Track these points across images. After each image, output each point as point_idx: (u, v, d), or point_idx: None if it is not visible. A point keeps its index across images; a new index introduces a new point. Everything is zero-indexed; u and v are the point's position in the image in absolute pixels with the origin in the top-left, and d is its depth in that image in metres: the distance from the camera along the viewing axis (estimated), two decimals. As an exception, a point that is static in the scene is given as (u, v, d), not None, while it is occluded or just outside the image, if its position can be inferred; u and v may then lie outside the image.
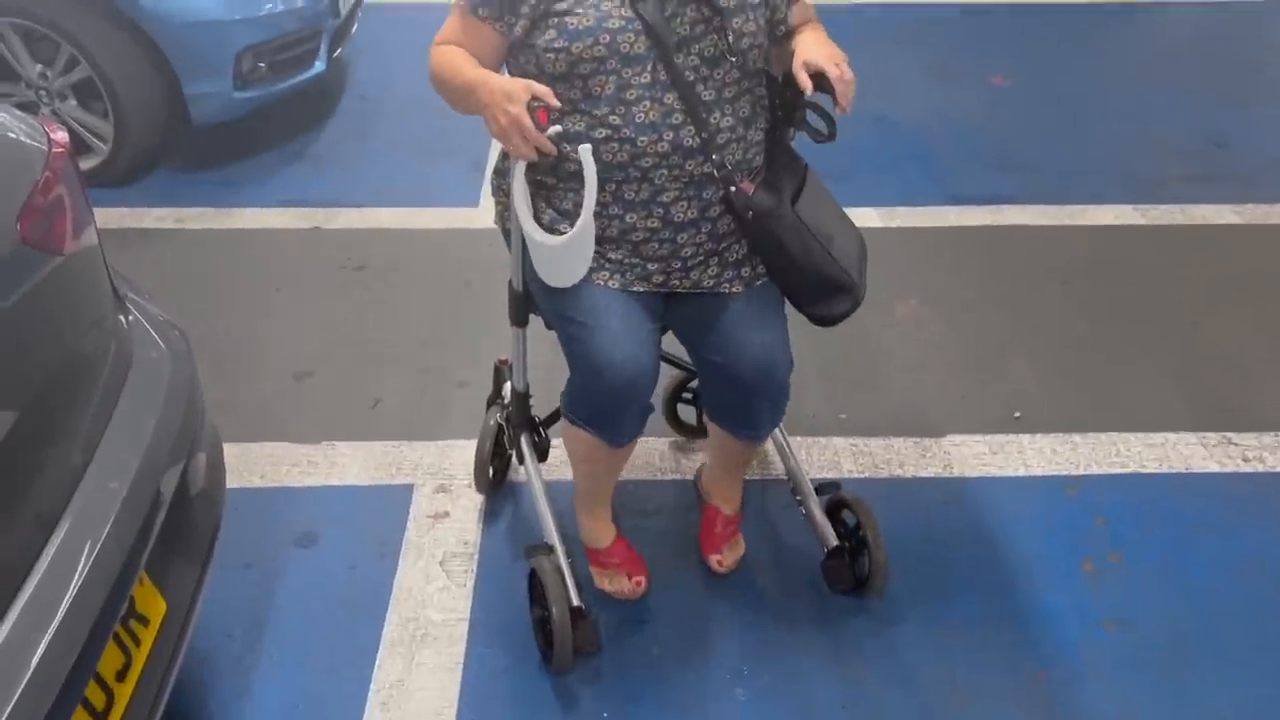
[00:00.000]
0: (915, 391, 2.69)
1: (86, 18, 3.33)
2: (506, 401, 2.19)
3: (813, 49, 1.71)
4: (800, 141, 1.84)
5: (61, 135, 1.46)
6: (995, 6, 5.59)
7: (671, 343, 1.97)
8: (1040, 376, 2.75)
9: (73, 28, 3.32)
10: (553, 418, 2.15)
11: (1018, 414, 2.61)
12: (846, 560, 2.05)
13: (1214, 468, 2.45)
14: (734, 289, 1.85)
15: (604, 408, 1.80)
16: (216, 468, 1.74)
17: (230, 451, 1.91)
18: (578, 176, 1.69)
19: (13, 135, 1.42)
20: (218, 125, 3.70)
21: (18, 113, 1.49)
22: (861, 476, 2.39)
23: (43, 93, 3.47)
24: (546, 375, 2.34)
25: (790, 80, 1.70)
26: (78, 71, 3.41)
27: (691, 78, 1.71)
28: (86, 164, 3.52)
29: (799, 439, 2.47)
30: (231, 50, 3.49)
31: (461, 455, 2.41)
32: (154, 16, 3.35)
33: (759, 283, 1.86)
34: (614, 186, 1.75)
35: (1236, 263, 3.27)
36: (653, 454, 2.45)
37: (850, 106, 1.67)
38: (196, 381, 1.66)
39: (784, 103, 1.83)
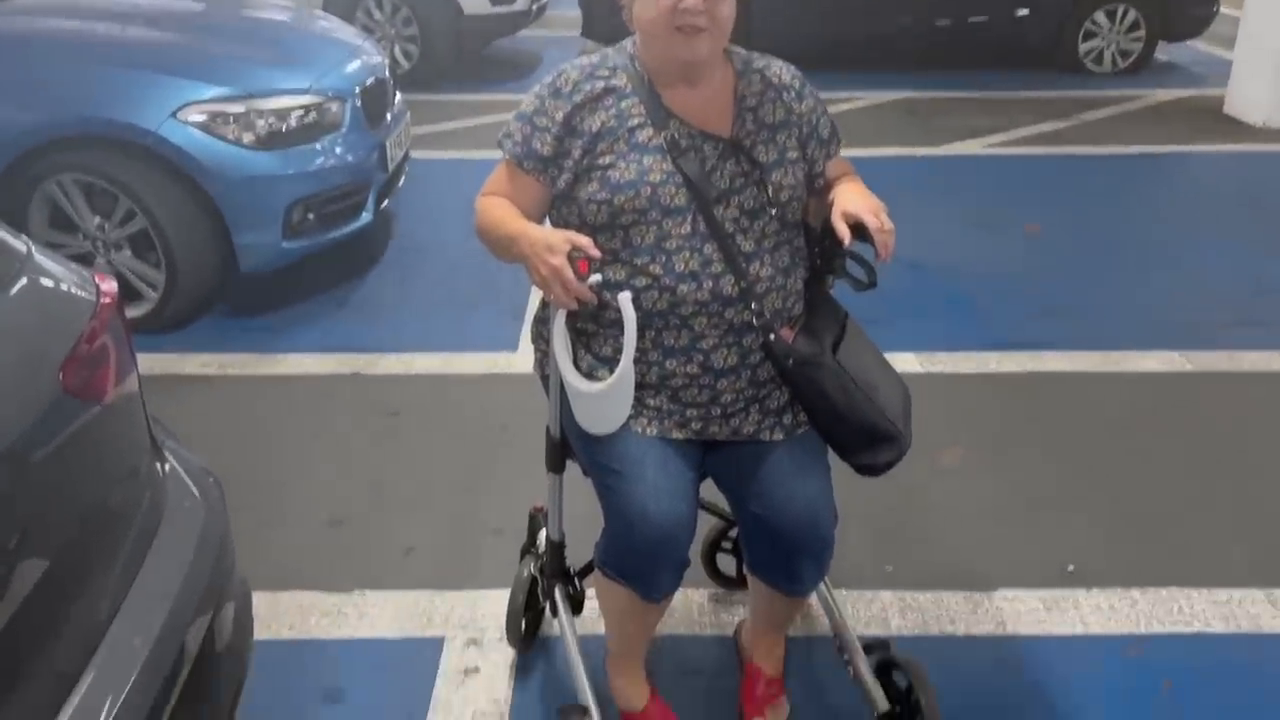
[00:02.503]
0: (964, 542, 2.61)
1: (147, 173, 3.47)
2: (541, 551, 2.14)
3: (851, 199, 1.73)
4: (838, 288, 1.83)
5: (110, 286, 1.48)
6: (1021, 157, 5.70)
7: (711, 491, 1.92)
8: (1092, 527, 2.66)
9: (133, 183, 3.46)
10: (588, 569, 2.09)
11: (1071, 567, 2.50)
12: (898, 725, 1.93)
13: (1285, 627, 2.32)
14: (775, 437, 1.81)
15: (638, 560, 1.74)
16: (244, 621, 1.70)
17: (260, 600, 1.87)
18: (618, 323, 1.69)
19: (63, 286, 1.45)
20: (265, 273, 3.79)
21: (70, 264, 1.52)
22: (911, 635, 2.29)
23: (99, 243, 3.59)
24: (583, 524, 2.29)
25: (829, 230, 1.71)
26: (134, 223, 3.53)
27: (731, 229, 1.73)
28: (136, 311, 3.61)
29: (844, 592, 2.38)
30: (282, 203, 3.61)
31: (494, 606, 2.34)
32: (211, 172, 3.49)
33: (800, 431, 1.83)
34: (654, 333, 1.75)
35: (1291, 410, 3.19)
36: (691, 606, 2.36)
37: (890, 256, 1.67)
38: (228, 532, 1.64)
39: (823, 252, 1.84)
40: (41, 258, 1.44)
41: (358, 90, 3.93)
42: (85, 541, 1.36)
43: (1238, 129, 6.20)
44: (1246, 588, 2.43)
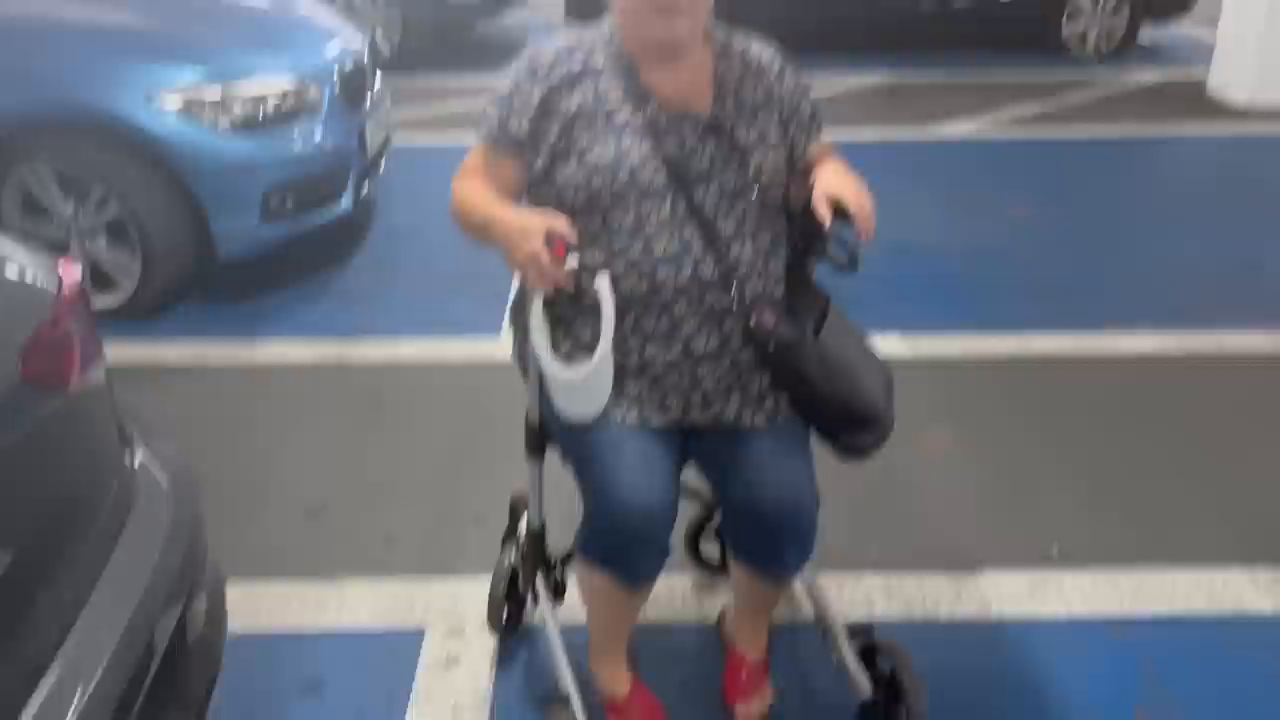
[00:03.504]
0: (948, 524, 2.60)
1: (121, 159, 3.42)
2: (522, 539, 2.12)
3: (832, 181, 1.70)
4: (823, 270, 1.81)
5: (74, 272, 1.45)
6: (1006, 140, 5.69)
7: (694, 476, 1.90)
8: (1076, 509, 2.65)
9: (107, 168, 3.41)
10: (570, 556, 2.07)
11: (1056, 549, 2.50)
12: (882, 710, 1.92)
13: (1267, 608, 2.31)
14: (756, 422, 1.79)
15: (619, 547, 1.72)
16: (217, 612, 1.67)
17: (238, 591, 1.84)
18: (597, 308, 1.67)
19: (25, 273, 1.41)
20: (243, 260, 3.75)
21: (31, 252, 1.49)
22: (895, 619, 2.28)
23: (72, 231, 3.53)
24: (565, 510, 2.27)
25: (810, 212, 1.69)
26: (109, 210, 3.48)
27: (711, 211, 1.71)
28: (112, 300, 3.56)
29: (828, 575, 2.37)
30: (260, 188, 3.56)
31: (475, 594, 2.32)
32: (187, 157, 3.44)
33: (782, 415, 1.81)
34: (633, 318, 1.72)
35: (1275, 391, 3.19)
36: (673, 594, 2.35)
37: (871, 234, 1.65)
38: (200, 522, 1.61)
39: (805, 234, 1.81)
40: (1, 242, 1.41)
41: (336, 74, 3.88)
42: (50, 533, 1.33)
43: (1222, 111, 6.20)
44: (1229, 568, 2.43)
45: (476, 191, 1.77)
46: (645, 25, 1.68)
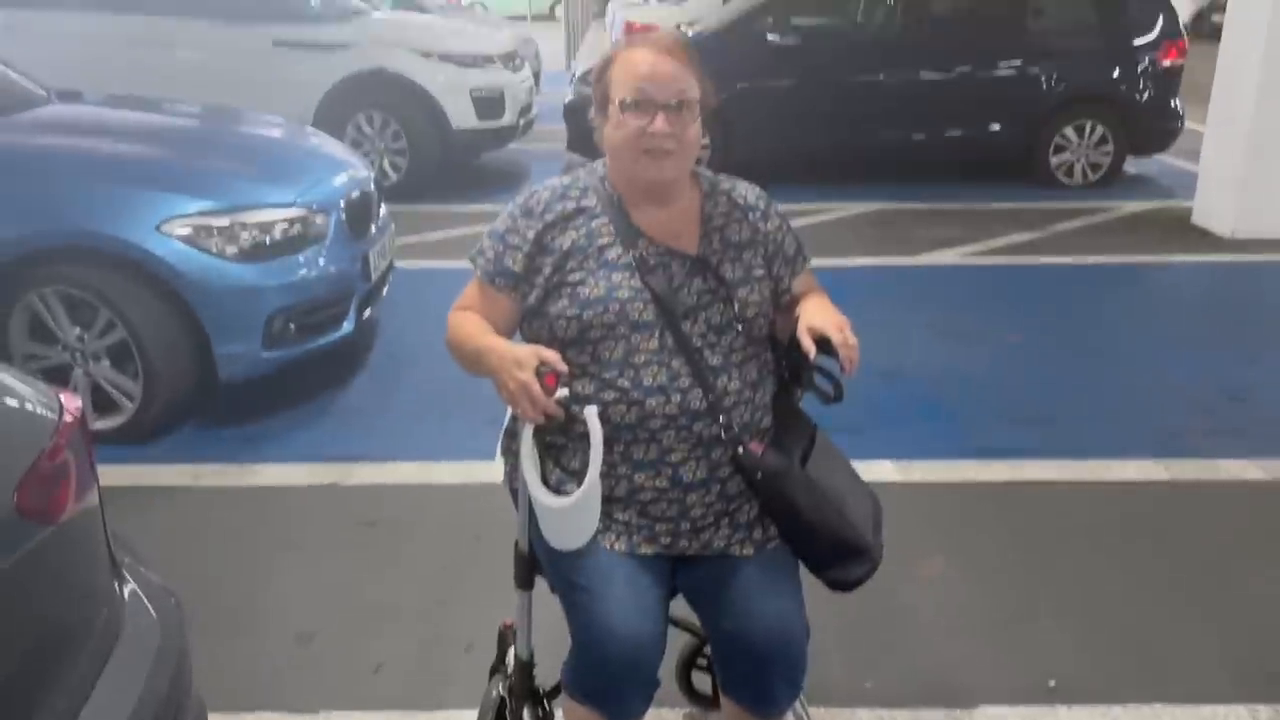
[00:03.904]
0: (943, 656, 2.56)
1: (129, 285, 3.49)
2: (510, 670, 2.09)
3: (816, 315, 1.75)
4: (808, 401, 1.85)
5: (74, 403, 1.48)
6: (996, 267, 5.80)
7: (684, 608, 1.89)
8: (1074, 641, 2.62)
9: (114, 294, 3.48)
10: (558, 689, 2.03)
11: (1053, 682, 2.46)
12: None
13: (1271, 745, 2.27)
14: (745, 551, 1.80)
15: (606, 681, 1.71)
16: (199, 746, 1.65)
17: (222, 724, 1.82)
18: (586, 437, 1.70)
19: (26, 406, 1.45)
20: (244, 382, 3.79)
21: (33, 380, 1.53)
22: (890, 753, 2.24)
23: (77, 355, 3.59)
24: (554, 642, 2.25)
25: (796, 344, 1.74)
26: (113, 334, 3.54)
27: (699, 343, 1.76)
28: (112, 422, 3.59)
29: (821, 710, 2.33)
30: (263, 313, 3.63)
31: (464, 727, 2.28)
32: (193, 283, 3.51)
33: (771, 545, 1.82)
34: (622, 446, 1.75)
35: (1268, 520, 3.18)
36: (666, 727, 2.31)
37: (854, 370, 1.69)
38: (186, 653, 1.60)
39: (791, 366, 1.86)
40: (4, 374, 1.45)
41: (342, 203, 4.00)
42: (37, 660, 1.33)
43: (1206, 239, 6.34)
44: (1230, 703, 2.39)
45: (471, 322, 1.83)
46: (635, 167, 1.77)
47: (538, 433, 1.78)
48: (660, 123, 1.72)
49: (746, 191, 1.90)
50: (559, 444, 1.81)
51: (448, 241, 6.18)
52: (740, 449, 1.75)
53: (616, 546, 1.75)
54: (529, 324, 1.84)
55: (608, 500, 1.75)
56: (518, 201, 1.85)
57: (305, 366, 3.97)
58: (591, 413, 1.66)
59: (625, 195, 1.81)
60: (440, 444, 3.67)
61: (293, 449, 3.62)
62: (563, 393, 1.66)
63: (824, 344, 1.72)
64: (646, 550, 1.77)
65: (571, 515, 1.71)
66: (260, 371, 3.76)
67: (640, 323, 1.74)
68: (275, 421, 3.83)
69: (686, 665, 2.29)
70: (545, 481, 1.79)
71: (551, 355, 1.67)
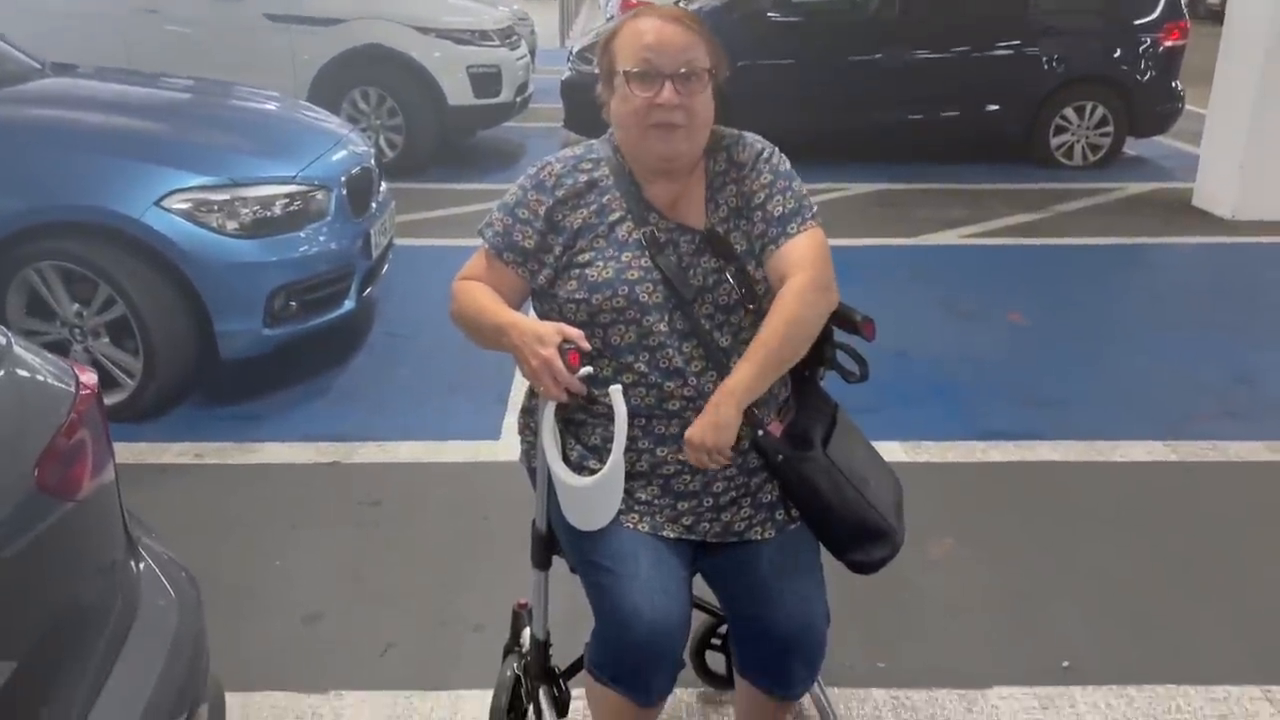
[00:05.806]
0: (957, 637, 2.55)
1: (128, 260, 3.44)
2: (525, 650, 2.07)
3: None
4: (833, 377, 1.82)
5: (90, 378, 1.45)
6: (999, 247, 5.78)
7: (700, 587, 1.87)
8: (1087, 622, 2.61)
9: (114, 270, 3.43)
10: (574, 668, 2.02)
11: (1066, 663, 2.45)
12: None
13: (1285, 726, 2.27)
14: (766, 534, 1.77)
15: (632, 664, 1.68)
16: (216, 726, 1.62)
17: (233, 701, 1.79)
18: (608, 413, 1.67)
19: (41, 378, 1.41)
20: (245, 360, 3.75)
21: (47, 355, 1.49)
22: (905, 734, 2.22)
23: (76, 331, 3.54)
24: (568, 621, 2.23)
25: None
26: (112, 310, 3.49)
27: (708, 325, 1.72)
28: (112, 399, 3.54)
29: (836, 690, 2.32)
30: (264, 290, 3.58)
31: (475, 708, 2.26)
32: (193, 259, 3.47)
33: (792, 527, 1.79)
34: (644, 421, 1.72)
35: (1278, 501, 3.18)
36: (679, 707, 2.29)
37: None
38: (203, 633, 1.58)
39: (812, 344, 1.82)
40: (21, 349, 1.41)
41: (343, 179, 3.94)
42: (56, 642, 1.30)
43: (1207, 221, 6.33)
44: (1244, 684, 2.39)
45: (484, 295, 1.77)
46: (643, 142, 1.71)
47: (558, 410, 1.74)
48: (668, 93, 1.65)
49: (746, 148, 1.79)
50: (579, 419, 1.77)
51: (446, 219, 6.13)
52: (760, 432, 1.72)
53: (640, 527, 1.72)
54: (540, 304, 1.80)
55: (630, 477, 1.72)
56: (529, 173, 1.80)
57: (306, 342, 3.93)
58: (616, 391, 1.64)
59: (636, 169, 1.77)
60: (442, 422, 3.64)
61: (295, 428, 3.59)
62: (586, 370, 1.63)
63: (846, 321, 1.68)
64: (669, 533, 1.74)
65: (595, 494, 1.69)
66: (262, 349, 3.72)
67: (649, 305, 1.69)
68: (277, 400, 3.79)
69: (701, 645, 2.27)
70: (566, 458, 1.75)
71: (575, 332, 1.63)
